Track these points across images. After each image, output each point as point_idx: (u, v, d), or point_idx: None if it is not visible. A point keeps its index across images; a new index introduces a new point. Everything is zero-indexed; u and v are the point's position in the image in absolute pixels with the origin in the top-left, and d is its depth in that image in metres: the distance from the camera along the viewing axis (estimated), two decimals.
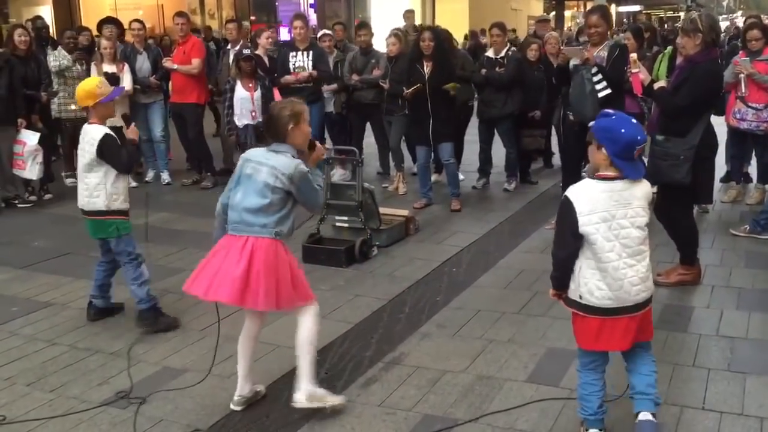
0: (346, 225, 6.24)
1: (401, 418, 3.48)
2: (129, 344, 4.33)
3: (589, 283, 2.97)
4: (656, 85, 4.98)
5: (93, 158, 4.33)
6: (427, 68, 6.93)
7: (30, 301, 5.13)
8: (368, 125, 8.43)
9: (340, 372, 3.94)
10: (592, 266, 2.96)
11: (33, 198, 7.96)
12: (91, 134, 4.37)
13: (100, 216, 4.42)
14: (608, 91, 5.69)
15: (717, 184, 7.04)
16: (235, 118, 7.33)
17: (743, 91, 6.55)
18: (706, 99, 4.80)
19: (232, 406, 3.57)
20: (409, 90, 6.99)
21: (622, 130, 2.90)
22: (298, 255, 5.77)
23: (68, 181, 8.51)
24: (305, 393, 3.46)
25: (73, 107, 8.17)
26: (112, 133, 4.39)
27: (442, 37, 7.38)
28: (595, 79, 5.76)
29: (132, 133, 4.61)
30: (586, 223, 2.91)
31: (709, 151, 4.87)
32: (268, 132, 3.53)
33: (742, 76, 6.52)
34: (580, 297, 3.00)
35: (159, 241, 6.37)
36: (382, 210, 6.30)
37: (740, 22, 16.46)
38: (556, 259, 3.08)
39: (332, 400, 3.53)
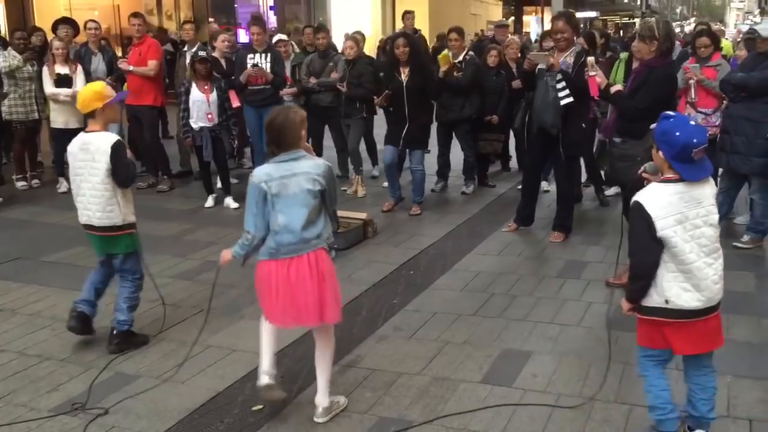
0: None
1: (356, 421, 3.48)
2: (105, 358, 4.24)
3: (673, 288, 2.92)
4: (613, 89, 5.09)
5: (108, 169, 4.05)
6: (404, 74, 6.95)
7: None
8: (326, 128, 8.42)
9: (296, 375, 3.92)
10: (672, 269, 2.92)
11: None
12: (99, 143, 4.08)
13: (113, 232, 4.16)
14: (570, 99, 5.72)
15: None
16: (191, 121, 7.24)
17: (693, 96, 6.71)
18: (663, 101, 4.93)
19: (269, 393, 3.49)
20: (380, 98, 7.00)
21: (677, 133, 2.87)
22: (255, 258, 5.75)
23: (19, 184, 8.33)
24: (325, 408, 3.48)
25: (22, 109, 8.01)
26: (120, 138, 4.18)
27: (418, 42, 7.42)
28: (559, 86, 5.79)
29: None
30: (662, 227, 2.87)
31: None
32: (279, 141, 3.32)
33: (692, 81, 6.68)
34: (667, 302, 2.94)
35: None
36: (340, 213, 6.25)
37: (689, 29, 16.85)
38: (642, 266, 2.97)
39: (341, 402, 3.58)
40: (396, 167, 7.50)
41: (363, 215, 6.58)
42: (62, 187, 8.14)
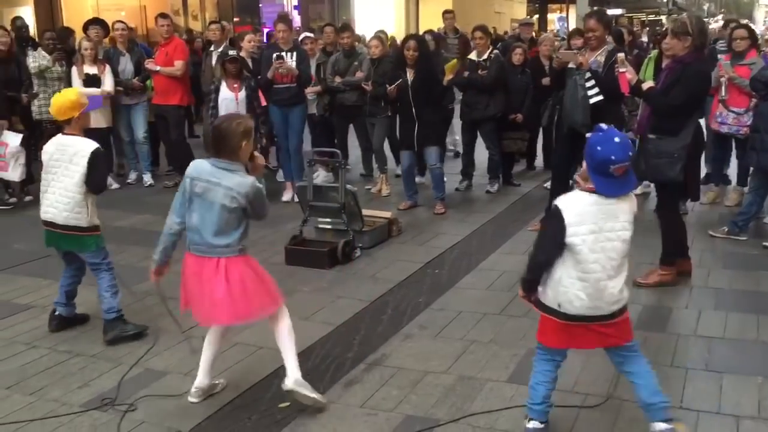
0: (329, 227, 6.25)
1: (383, 419, 3.49)
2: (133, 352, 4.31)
3: (569, 293, 3.01)
4: (645, 85, 5.04)
5: (84, 173, 4.17)
6: (410, 75, 6.97)
7: (9, 303, 5.09)
8: (351, 127, 8.44)
9: (321, 373, 3.94)
10: (572, 276, 3.00)
11: (13, 200, 7.90)
12: (78, 147, 4.19)
13: (77, 232, 4.28)
14: (600, 97, 5.69)
15: None
16: None
17: (724, 94, 6.63)
18: (698, 98, 4.89)
19: (189, 398, 3.64)
20: (392, 87, 7.00)
21: (598, 148, 2.95)
22: (281, 257, 5.79)
23: None
24: (293, 378, 3.52)
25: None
26: (100, 146, 4.28)
27: (427, 46, 7.43)
28: (588, 84, 5.76)
29: None
30: (573, 234, 2.95)
31: (697, 150, 5.03)
32: (215, 147, 3.42)
33: (723, 79, 6.59)
34: (559, 306, 3.04)
35: (141, 244, 6.34)
36: (365, 212, 6.31)
37: (718, 25, 16.59)
38: (533, 262, 3.13)
39: (316, 395, 3.57)
40: (413, 171, 7.51)
41: (388, 214, 6.60)
42: None
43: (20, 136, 7.43)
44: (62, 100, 4.27)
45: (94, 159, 4.19)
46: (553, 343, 3.16)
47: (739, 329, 4.37)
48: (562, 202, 3.02)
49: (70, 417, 3.57)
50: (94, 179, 4.23)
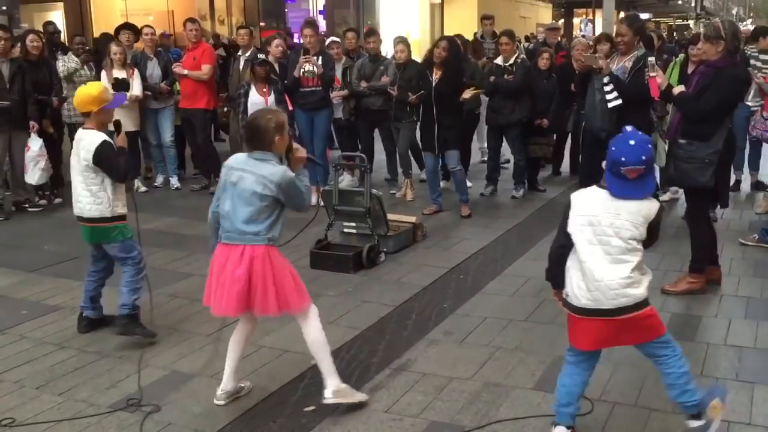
0: (354, 231, 6.25)
1: (408, 425, 3.48)
2: (140, 351, 4.35)
3: (572, 284, 3.10)
4: (676, 90, 4.99)
5: (88, 165, 4.23)
6: (436, 76, 6.96)
7: (39, 304, 5.16)
8: (377, 132, 8.45)
9: (347, 378, 3.92)
10: (575, 266, 3.10)
11: (43, 202, 8.01)
12: (87, 140, 4.25)
13: (102, 223, 4.33)
14: (618, 102, 5.67)
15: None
16: None
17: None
18: (730, 103, 4.83)
19: (215, 401, 3.65)
20: (414, 96, 7.02)
21: (613, 148, 3.02)
22: (306, 261, 5.81)
23: None
24: (332, 389, 3.53)
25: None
26: (109, 139, 4.29)
27: (458, 47, 7.40)
28: (606, 89, 5.75)
29: (121, 141, 4.44)
30: (572, 224, 3.08)
31: (729, 156, 4.97)
32: (250, 142, 3.51)
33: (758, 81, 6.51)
34: (567, 296, 3.14)
35: (167, 246, 6.42)
36: (390, 216, 6.31)
37: (747, 29, 16.40)
38: (550, 251, 3.26)
39: (358, 396, 3.61)
40: (438, 173, 7.50)
41: (413, 218, 6.59)
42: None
43: (41, 141, 7.49)
44: (83, 93, 4.33)
45: (100, 153, 4.20)
46: (574, 341, 3.18)
47: None
48: (576, 194, 3.15)
49: (98, 418, 3.60)
50: (110, 171, 4.26)
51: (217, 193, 3.62)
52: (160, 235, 6.80)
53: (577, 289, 3.07)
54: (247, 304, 3.47)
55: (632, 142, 2.99)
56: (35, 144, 7.46)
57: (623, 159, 2.95)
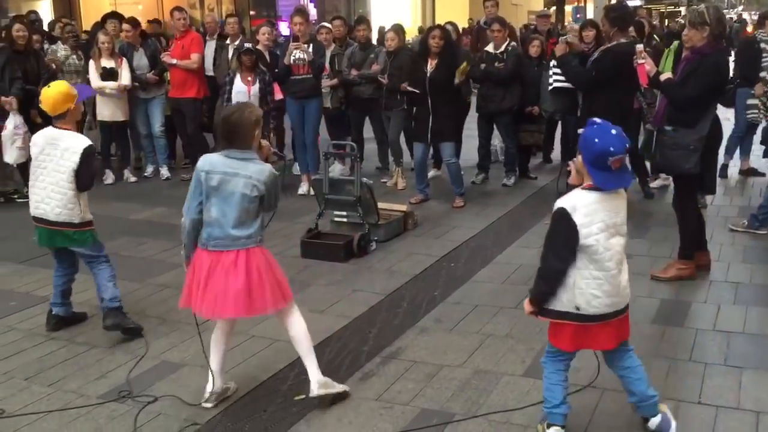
0: (344, 220, 6.24)
1: (399, 412, 3.49)
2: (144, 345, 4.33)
3: (585, 293, 2.96)
4: (663, 77, 4.99)
5: (72, 168, 4.09)
6: (431, 66, 6.93)
7: (28, 295, 5.14)
8: (367, 120, 8.43)
9: (337, 366, 3.94)
10: (586, 276, 2.95)
11: None
12: (69, 143, 4.10)
13: (70, 228, 4.19)
14: (557, 84, 6.24)
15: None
16: None
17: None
18: (715, 90, 4.83)
19: (203, 404, 3.56)
20: (405, 84, 6.98)
21: (596, 140, 2.90)
22: (296, 250, 5.80)
23: None
24: (317, 383, 3.50)
25: None
26: (92, 143, 4.22)
27: (451, 36, 7.38)
28: (552, 71, 6.34)
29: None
30: (587, 235, 2.91)
31: (714, 142, 4.99)
32: (227, 138, 3.35)
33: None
34: (578, 308, 2.98)
35: (157, 237, 6.40)
36: (380, 205, 6.30)
37: (745, 16, 16.48)
38: (551, 271, 2.99)
39: (339, 387, 3.60)
40: (425, 164, 7.49)
41: (404, 207, 6.58)
42: (108, 178, 8.47)
43: (19, 118, 7.38)
44: (55, 94, 4.14)
45: (86, 157, 4.11)
46: (570, 347, 3.09)
47: (759, 324, 4.32)
48: (567, 203, 2.94)
49: (88, 408, 3.59)
50: (83, 177, 4.14)
51: (192, 199, 3.41)
52: (150, 226, 6.77)
53: (593, 299, 2.95)
54: (247, 306, 3.38)
55: (614, 132, 2.91)
56: (11, 122, 7.34)
57: (612, 149, 2.85)
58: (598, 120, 3.02)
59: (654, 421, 3.16)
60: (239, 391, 3.71)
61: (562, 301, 3.01)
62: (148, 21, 10.88)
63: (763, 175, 7.87)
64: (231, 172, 3.32)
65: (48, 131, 4.20)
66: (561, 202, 2.96)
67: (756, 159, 8.06)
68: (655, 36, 8.78)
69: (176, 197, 7.81)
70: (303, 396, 3.61)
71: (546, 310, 3.06)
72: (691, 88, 4.70)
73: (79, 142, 4.14)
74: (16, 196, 7.85)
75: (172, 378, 3.88)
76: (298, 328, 3.54)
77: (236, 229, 3.33)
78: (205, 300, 3.37)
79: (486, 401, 3.55)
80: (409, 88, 6.99)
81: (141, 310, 4.69)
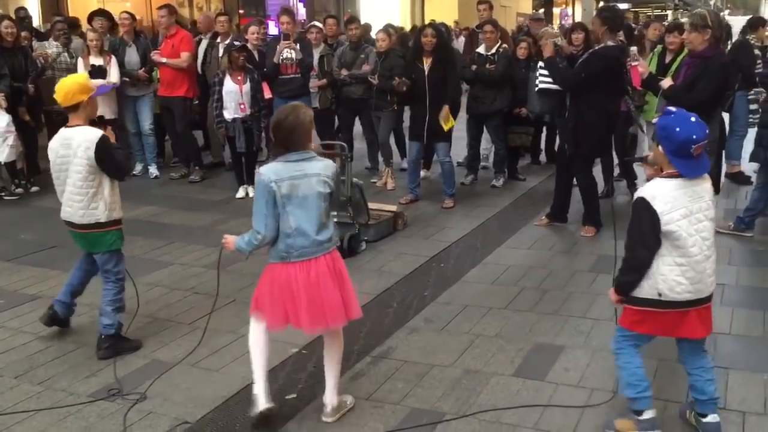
0: (335, 220, 6.22)
1: (389, 412, 3.51)
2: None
3: (668, 280, 2.99)
4: (665, 83, 5.01)
5: (90, 166, 3.89)
6: (426, 64, 6.95)
7: (17, 293, 5.12)
8: (357, 120, 8.43)
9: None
10: (669, 263, 2.98)
11: (19, 191, 7.91)
12: (82, 137, 3.88)
13: (97, 229, 4.02)
14: (544, 86, 6.14)
15: None
16: (224, 111, 7.31)
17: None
18: (721, 93, 4.86)
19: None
20: (398, 81, 6.98)
21: (677, 129, 2.93)
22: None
23: None
24: (334, 407, 3.44)
25: None
26: (106, 134, 3.98)
27: (443, 35, 7.40)
28: (540, 72, 6.27)
29: (110, 136, 4.07)
30: (668, 222, 2.94)
31: (720, 145, 5.04)
32: (286, 142, 3.20)
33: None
34: (660, 294, 3.00)
35: (146, 235, 6.38)
36: (370, 205, 6.32)
37: (730, 20, 16.65)
38: (638, 260, 3.03)
39: (350, 402, 3.55)
40: (420, 163, 7.51)
41: (393, 207, 6.60)
42: None
43: (8, 117, 7.35)
44: (70, 83, 3.96)
45: (101, 147, 3.88)
46: (651, 332, 3.13)
47: (745, 325, 4.38)
48: (647, 192, 2.99)
49: (78, 407, 3.59)
50: (109, 168, 3.96)
51: (268, 215, 3.18)
52: (140, 224, 6.74)
53: (677, 285, 2.97)
54: (345, 312, 3.33)
55: (693, 119, 2.96)
56: (2, 120, 7.30)
57: (695, 137, 2.90)
58: (673, 108, 3.07)
59: (712, 417, 3.18)
60: (230, 390, 3.71)
61: (643, 288, 3.04)
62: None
63: (749, 179, 7.93)
64: (299, 175, 3.18)
65: (61, 134, 3.99)
66: (640, 192, 3.03)
67: (744, 162, 8.13)
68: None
69: (165, 196, 7.82)
70: (294, 395, 3.62)
71: (631, 299, 3.10)
72: (700, 91, 4.70)
73: (90, 134, 3.90)
74: (3, 194, 7.80)
75: (163, 377, 3.87)
76: (340, 343, 3.50)
77: (320, 234, 3.23)
78: (310, 313, 3.23)
79: (476, 401, 3.57)
80: (404, 80, 6.98)
81: (130, 309, 4.66)
